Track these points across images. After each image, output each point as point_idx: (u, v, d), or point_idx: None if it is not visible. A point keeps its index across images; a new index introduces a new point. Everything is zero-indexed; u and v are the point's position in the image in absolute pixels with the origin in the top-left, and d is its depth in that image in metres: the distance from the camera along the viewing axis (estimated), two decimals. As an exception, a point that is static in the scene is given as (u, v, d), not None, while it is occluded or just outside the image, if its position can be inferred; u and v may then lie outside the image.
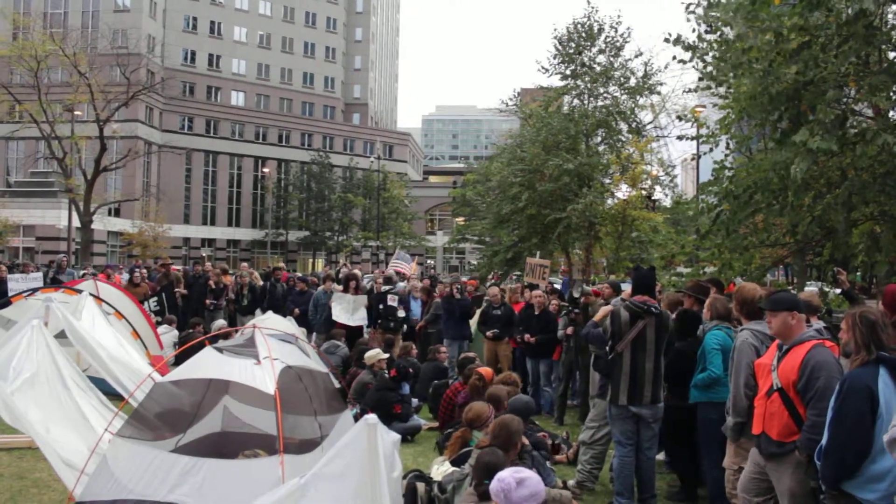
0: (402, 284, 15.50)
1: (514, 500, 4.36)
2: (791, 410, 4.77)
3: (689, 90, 11.09)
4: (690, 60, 9.58)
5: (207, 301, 15.96)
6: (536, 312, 11.64)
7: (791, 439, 4.76)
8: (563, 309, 11.54)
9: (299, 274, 22.01)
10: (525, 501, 4.39)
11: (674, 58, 9.73)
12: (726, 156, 10.85)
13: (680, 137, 13.14)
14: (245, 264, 23.91)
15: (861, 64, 8.37)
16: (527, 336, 11.49)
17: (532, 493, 4.40)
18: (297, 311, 14.58)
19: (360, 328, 14.03)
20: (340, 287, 14.75)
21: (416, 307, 14.31)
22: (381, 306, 13.89)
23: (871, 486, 4.09)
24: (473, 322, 13.73)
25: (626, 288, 10.94)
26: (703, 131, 11.30)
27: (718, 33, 9.26)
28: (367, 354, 10.73)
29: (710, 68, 9.53)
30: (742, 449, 5.59)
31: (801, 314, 4.96)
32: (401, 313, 13.88)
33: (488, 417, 7.09)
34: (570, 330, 10.68)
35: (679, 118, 13.27)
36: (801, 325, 4.94)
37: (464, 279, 21.97)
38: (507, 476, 4.44)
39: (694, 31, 9.24)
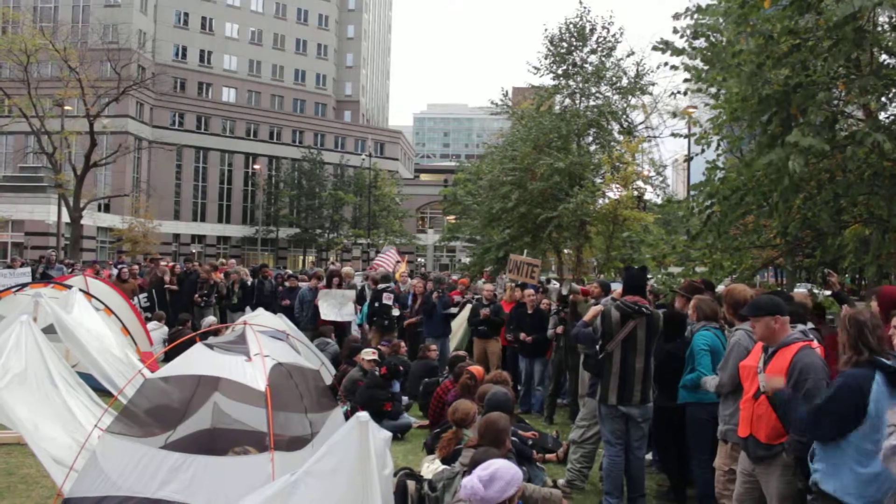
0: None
1: (490, 497, 4.31)
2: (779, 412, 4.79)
3: (679, 92, 11.10)
4: (677, 69, 9.62)
5: (197, 297, 15.94)
6: (529, 311, 11.63)
7: (779, 441, 4.78)
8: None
9: (289, 271, 21.95)
10: (505, 492, 4.35)
11: (665, 64, 9.71)
12: (718, 156, 10.88)
13: (674, 135, 13.16)
14: (233, 261, 23.81)
15: (852, 67, 8.41)
16: (522, 335, 11.49)
17: (507, 482, 4.35)
18: (286, 301, 14.63)
19: (346, 325, 14.02)
20: (323, 284, 14.74)
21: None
22: (376, 304, 13.87)
23: (860, 490, 4.10)
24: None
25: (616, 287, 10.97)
26: (696, 130, 11.33)
27: (704, 38, 9.28)
28: (362, 353, 10.72)
29: (700, 65, 9.57)
30: (734, 451, 5.60)
31: (784, 317, 4.96)
32: (395, 311, 13.87)
33: (475, 416, 7.10)
34: (560, 329, 10.68)
35: (673, 114, 13.31)
36: (785, 328, 4.95)
37: (454, 277, 21.98)
38: (472, 481, 4.38)
39: (683, 37, 9.26)
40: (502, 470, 4.38)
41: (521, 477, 4.46)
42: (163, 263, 19.36)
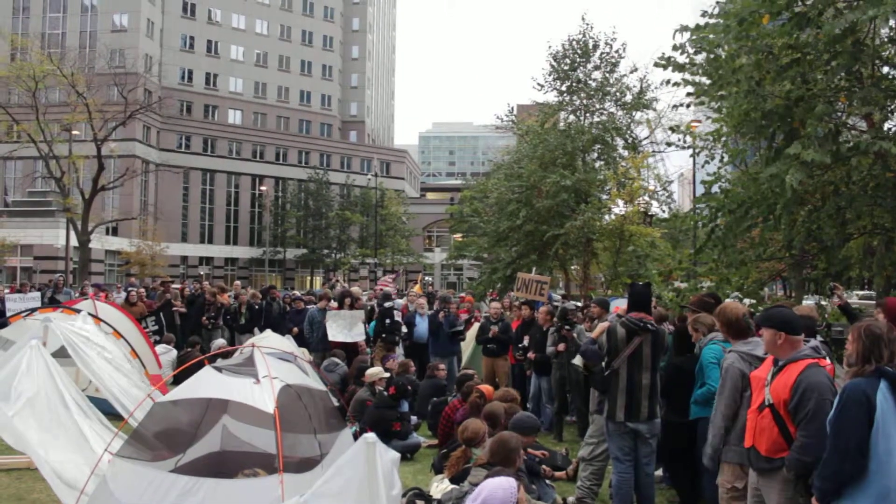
0: (400, 301, 15.55)
1: None
2: (781, 427, 4.74)
3: (681, 105, 11.13)
4: (679, 85, 9.68)
5: (204, 319, 15.99)
6: (544, 328, 11.57)
7: (780, 455, 4.72)
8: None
9: (297, 293, 21.92)
10: None
11: (668, 81, 9.83)
12: (719, 168, 10.92)
13: (669, 144, 13.17)
14: (238, 283, 23.84)
15: (853, 79, 8.46)
16: (530, 353, 11.48)
17: (503, 501, 4.30)
18: (295, 329, 14.56)
19: (356, 345, 14.02)
20: (335, 304, 14.76)
21: (422, 324, 14.28)
22: (386, 321, 14.03)
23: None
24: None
25: (618, 303, 10.95)
26: (699, 142, 11.37)
27: (705, 54, 9.34)
28: (368, 372, 10.74)
29: (701, 80, 9.63)
30: (737, 467, 5.54)
31: (792, 336, 4.86)
32: (404, 329, 14.11)
33: (484, 435, 7.09)
34: (561, 346, 10.65)
35: (672, 129, 13.30)
36: (793, 345, 4.85)
37: (461, 295, 21.98)
38: None
39: (683, 53, 9.31)
40: (490, 497, 4.31)
41: (514, 491, 4.38)
42: (174, 286, 19.43)
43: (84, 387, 8.55)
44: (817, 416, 4.51)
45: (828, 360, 5.39)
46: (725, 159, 10.93)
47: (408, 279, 57.98)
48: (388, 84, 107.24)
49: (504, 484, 4.41)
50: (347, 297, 14.92)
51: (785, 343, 4.86)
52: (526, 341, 11.78)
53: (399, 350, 14.24)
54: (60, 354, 7.76)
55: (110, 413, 7.75)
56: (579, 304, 14.57)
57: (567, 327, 10.66)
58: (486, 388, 9.14)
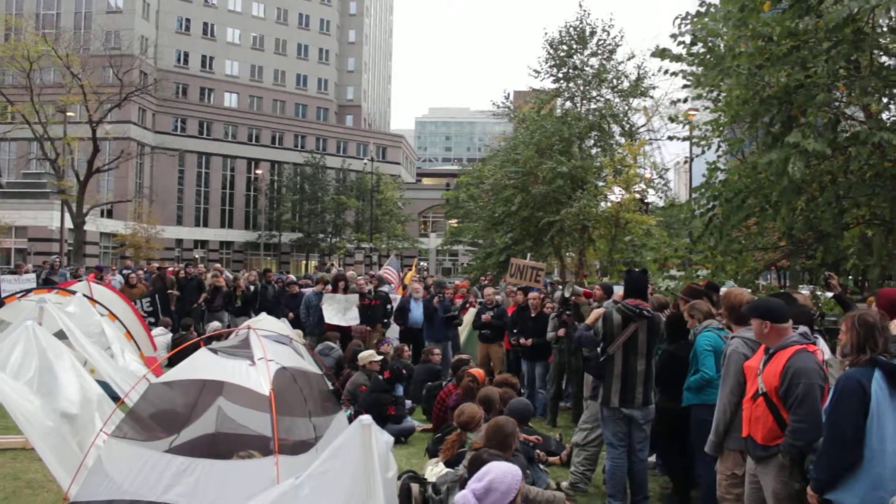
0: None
1: None
2: (775, 415, 4.77)
3: (678, 100, 11.11)
4: (676, 75, 9.64)
5: (200, 301, 16.02)
6: (533, 315, 11.61)
7: (775, 443, 4.76)
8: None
9: (292, 277, 21.89)
10: (505, 498, 4.30)
11: (666, 71, 9.80)
12: (718, 157, 10.90)
13: (671, 138, 13.21)
14: (218, 265, 23.76)
15: (852, 68, 8.44)
16: (522, 339, 11.50)
17: (504, 492, 4.28)
18: (291, 315, 14.59)
19: (354, 329, 14.07)
20: (330, 288, 14.79)
21: (417, 309, 14.30)
22: (388, 307, 14.54)
23: (866, 495, 4.08)
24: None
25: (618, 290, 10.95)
26: (696, 132, 11.34)
27: (702, 43, 9.30)
28: (361, 355, 10.76)
29: (699, 68, 9.60)
30: (738, 454, 5.56)
31: (778, 324, 4.88)
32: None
33: (480, 419, 7.11)
34: (561, 332, 10.66)
35: (671, 119, 13.29)
36: (779, 333, 4.88)
37: (456, 282, 22.01)
38: (466, 497, 4.31)
39: (680, 44, 9.27)
40: (497, 480, 4.27)
41: (519, 480, 4.37)
42: (171, 271, 19.43)
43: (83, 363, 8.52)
44: (806, 400, 4.54)
45: (820, 345, 5.41)
46: (723, 149, 10.91)
47: (403, 264, 58.02)
48: (385, 68, 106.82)
49: (512, 470, 4.41)
50: (341, 280, 14.95)
51: (771, 332, 4.89)
52: (521, 327, 11.82)
53: (393, 334, 14.31)
54: (59, 336, 7.74)
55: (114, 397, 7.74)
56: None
57: (567, 313, 10.66)
58: (478, 372, 9.17)
